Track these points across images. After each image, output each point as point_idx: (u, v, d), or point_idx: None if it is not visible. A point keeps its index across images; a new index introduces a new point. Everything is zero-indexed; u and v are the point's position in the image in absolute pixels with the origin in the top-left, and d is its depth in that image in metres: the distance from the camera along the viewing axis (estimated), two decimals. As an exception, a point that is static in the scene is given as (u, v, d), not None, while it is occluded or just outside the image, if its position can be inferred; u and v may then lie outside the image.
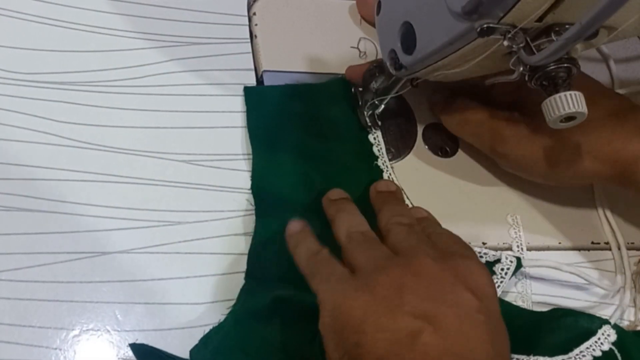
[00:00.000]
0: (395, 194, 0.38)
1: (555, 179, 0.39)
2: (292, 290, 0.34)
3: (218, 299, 0.36)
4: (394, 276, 0.30)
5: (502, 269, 0.37)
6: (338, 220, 0.35)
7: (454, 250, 0.32)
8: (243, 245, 0.37)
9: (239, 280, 0.36)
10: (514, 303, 0.39)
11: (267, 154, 0.40)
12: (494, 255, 0.38)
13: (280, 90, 0.42)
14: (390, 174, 0.40)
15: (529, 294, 0.39)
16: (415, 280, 0.29)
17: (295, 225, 0.35)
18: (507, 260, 0.37)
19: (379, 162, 0.41)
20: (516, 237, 0.41)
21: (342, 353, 0.29)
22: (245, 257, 0.36)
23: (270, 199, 0.38)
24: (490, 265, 0.38)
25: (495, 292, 0.30)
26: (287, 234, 0.35)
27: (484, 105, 0.40)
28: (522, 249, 0.40)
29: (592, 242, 0.42)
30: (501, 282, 0.37)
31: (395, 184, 0.39)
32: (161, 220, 0.37)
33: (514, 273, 0.37)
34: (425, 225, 0.35)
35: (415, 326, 0.28)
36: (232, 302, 0.35)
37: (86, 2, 0.42)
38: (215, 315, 0.35)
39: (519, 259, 0.38)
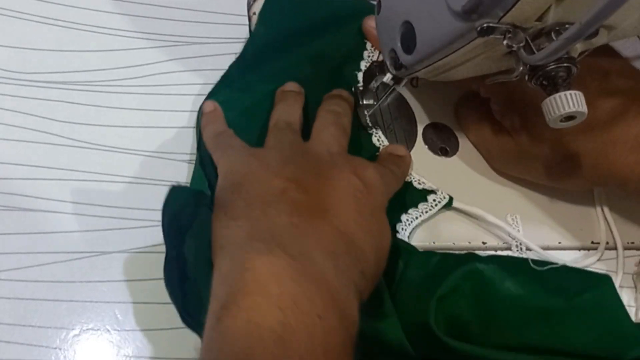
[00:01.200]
0: (346, 98, 0.40)
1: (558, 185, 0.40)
2: None
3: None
4: (286, 153, 0.33)
5: (434, 200, 0.40)
6: (275, 108, 0.38)
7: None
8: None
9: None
10: None
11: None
12: (430, 186, 0.40)
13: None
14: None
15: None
16: (304, 159, 0.33)
17: (209, 105, 0.38)
18: (441, 194, 0.40)
19: None
20: (516, 237, 0.41)
21: (223, 201, 0.31)
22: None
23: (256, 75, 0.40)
24: (425, 193, 0.40)
25: (384, 192, 0.34)
26: (202, 112, 0.38)
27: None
28: (521, 248, 0.40)
29: (592, 242, 0.42)
30: (430, 210, 0.39)
31: (349, 96, 0.41)
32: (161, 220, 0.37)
33: (443, 207, 0.40)
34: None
35: (287, 185, 0.30)
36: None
37: (86, 2, 0.42)
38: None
39: (451, 198, 0.40)
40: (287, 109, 0.38)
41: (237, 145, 0.35)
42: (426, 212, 0.39)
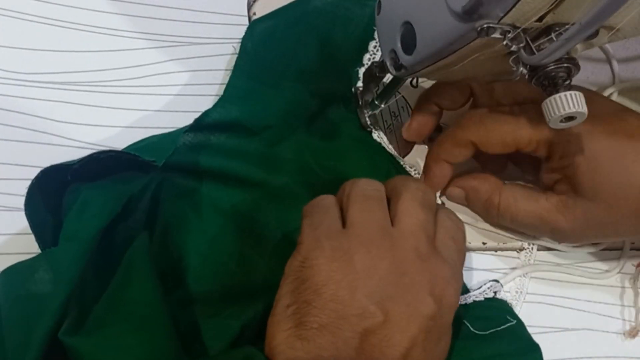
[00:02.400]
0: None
1: None
2: None
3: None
4: (374, 256, 0.30)
5: None
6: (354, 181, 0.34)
7: (445, 250, 0.32)
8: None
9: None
10: (509, 300, 0.39)
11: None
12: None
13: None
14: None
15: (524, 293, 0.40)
16: (389, 269, 0.30)
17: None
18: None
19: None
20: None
21: (292, 302, 0.30)
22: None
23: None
24: None
25: (456, 304, 0.32)
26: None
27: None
28: (532, 248, 0.41)
29: (593, 243, 0.42)
30: None
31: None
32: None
33: None
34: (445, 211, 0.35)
35: (367, 310, 0.29)
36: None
37: (86, 2, 0.42)
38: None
39: (442, 204, 0.41)
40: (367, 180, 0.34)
41: (329, 224, 0.32)
42: None
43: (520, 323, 0.37)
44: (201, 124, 0.38)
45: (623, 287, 0.41)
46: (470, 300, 0.38)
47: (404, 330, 0.29)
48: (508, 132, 0.35)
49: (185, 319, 0.33)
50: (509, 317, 0.37)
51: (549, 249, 0.41)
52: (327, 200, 0.33)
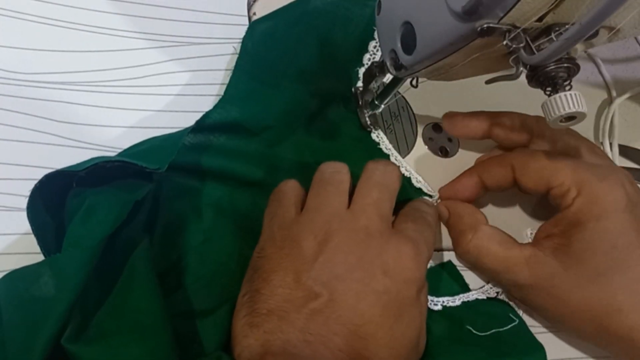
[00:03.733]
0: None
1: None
2: None
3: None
4: (320, 240, 0.31)
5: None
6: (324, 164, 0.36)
7: (402, 227, 0.33)
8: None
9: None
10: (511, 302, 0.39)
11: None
12: (428, 190, 0.41)
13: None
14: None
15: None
16: (336, 250, 0.31)
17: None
18: (437, 200, 0.41)
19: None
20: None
21: (247, 291, 0.31)
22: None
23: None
24: (421, 193, 0.41)
25: (417, 279, 0.31)
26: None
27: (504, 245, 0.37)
28: None
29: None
30: None
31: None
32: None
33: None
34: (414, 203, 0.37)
35: (312, 291, 0.29)
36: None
37: (86, 2, 0.42)
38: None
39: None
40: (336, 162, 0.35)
41: (283, 214, 0.33)
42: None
43: (522, 322, 0.38)
44: (202, 125, 0.38)
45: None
46: (472, 298, 0.38)
47: (353, 307, 0.29)
48: (548, 165, 0.36)
49: (184, 320, 0.33)
50: (511, 316, 0.37)
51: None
52: (285, 187, 0.35)
